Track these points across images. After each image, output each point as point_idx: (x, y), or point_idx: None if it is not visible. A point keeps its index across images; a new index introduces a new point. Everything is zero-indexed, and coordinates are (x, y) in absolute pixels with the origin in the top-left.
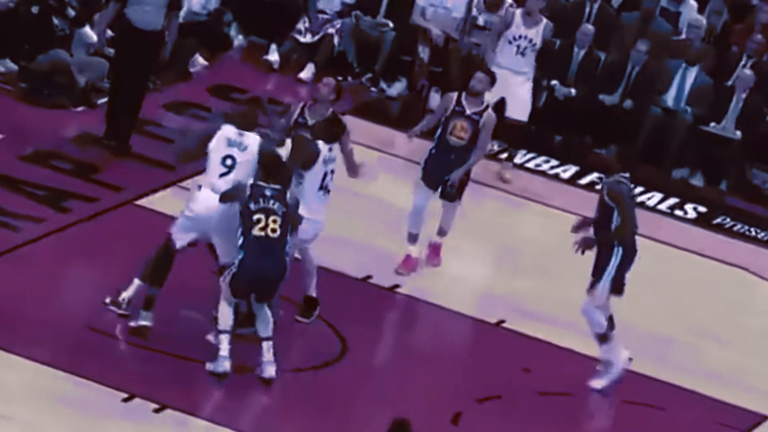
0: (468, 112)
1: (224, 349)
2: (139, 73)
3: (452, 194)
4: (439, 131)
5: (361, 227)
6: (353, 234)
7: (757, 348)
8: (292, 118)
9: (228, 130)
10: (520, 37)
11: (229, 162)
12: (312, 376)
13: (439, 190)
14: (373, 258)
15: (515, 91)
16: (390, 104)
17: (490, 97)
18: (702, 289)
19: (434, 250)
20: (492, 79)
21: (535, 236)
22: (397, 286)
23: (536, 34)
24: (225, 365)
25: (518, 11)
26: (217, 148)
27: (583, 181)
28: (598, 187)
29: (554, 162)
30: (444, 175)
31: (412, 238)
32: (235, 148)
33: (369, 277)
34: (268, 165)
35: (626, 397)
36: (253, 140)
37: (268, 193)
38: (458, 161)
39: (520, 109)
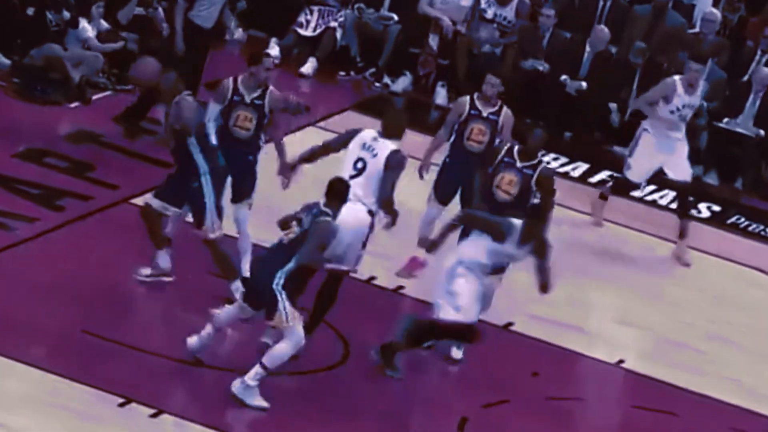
0: (485, 114)
1: None
2: (198, 65)
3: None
4: (453, 138)
5: None
6: None
7: (753, 353)
8: (227, 95)
9: (366, 134)
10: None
11: (359, 165)
12: (313, 379)
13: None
14: (376, 259)
15: None
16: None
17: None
18: (717, 291)
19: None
20: (502, 83)
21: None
22: (401, 287)
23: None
24: None
25: None
26: (352, 149)
27: (594, 179)
28: (610, 184)
29: (564, 159)
30: (460, 184)
31: (422, 242)
32: (367, 152)
33: (373, 278)
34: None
35: (638, 403)
36: (384, 148)
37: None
38: (476, 168)
39: None
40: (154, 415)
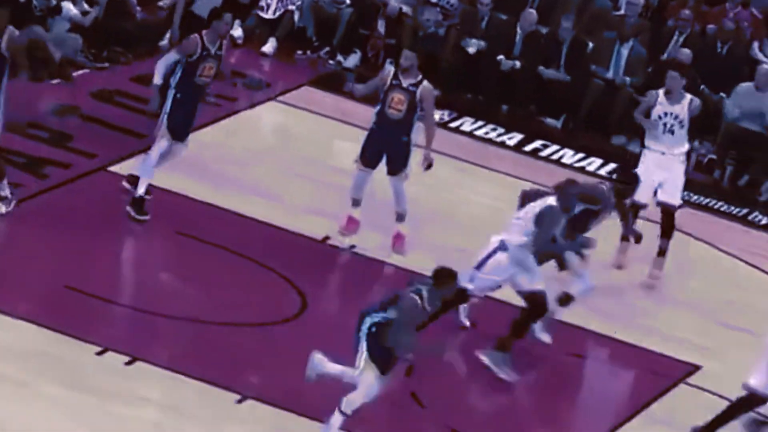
0: (404, 84)
1: None
2: None
3: (398, 164)
4: (378, 107)
5: (318, 192)
6: (311, 199)
7: (693, 305)
8: (196, 50)
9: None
10: None
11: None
12: (272, 330)
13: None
14: (331, 221)
15: None
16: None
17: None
18: (644, 249)
19: (397, 238)
20: (417, 57)
21: (483, 199)
22: (353, 246)
23: None
24: None
25: None
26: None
27: (528, 147)
28: (542, 153)
29: (501, 130)
30: (384, 150)
31: (355, 203)
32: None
33: (327, 238)
34: None
35: (571, 350)
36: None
37: None
38: (397, 134)
39: None
40: (129, 363)
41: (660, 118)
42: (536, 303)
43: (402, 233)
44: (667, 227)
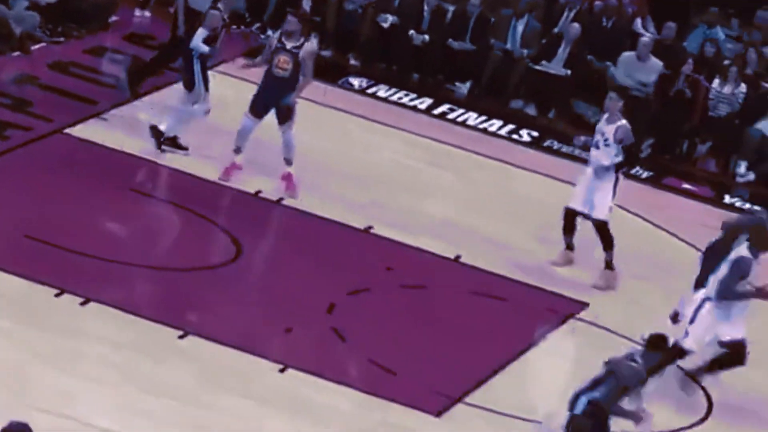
0: (288, 47)
1: None
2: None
3: (285, 115)
4: (268, 66)
5: (252, 151)
6: (245, 156)
7: (582, 248)
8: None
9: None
10: None
11: None
12: (211, 274)
13: (272, 116)
14: (262, 176)
15: None
16: None
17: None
18: (538, 201)
19: (287, 179)
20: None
21: (394, 156)
22: (281, 199)
23: None
24: None
25: None
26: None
27: (436, 111)
28: (450, 116)
29: (413, 95)
30: (271, 103)
31: (237, 150)
32: None
33: (259, 191)
34: None
35: (473, 289)
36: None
37: None
38: (284, 90)
39: None
40: (83, 303)
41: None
42: (737, 352)
43: (291, 173)
44: (604, 240)
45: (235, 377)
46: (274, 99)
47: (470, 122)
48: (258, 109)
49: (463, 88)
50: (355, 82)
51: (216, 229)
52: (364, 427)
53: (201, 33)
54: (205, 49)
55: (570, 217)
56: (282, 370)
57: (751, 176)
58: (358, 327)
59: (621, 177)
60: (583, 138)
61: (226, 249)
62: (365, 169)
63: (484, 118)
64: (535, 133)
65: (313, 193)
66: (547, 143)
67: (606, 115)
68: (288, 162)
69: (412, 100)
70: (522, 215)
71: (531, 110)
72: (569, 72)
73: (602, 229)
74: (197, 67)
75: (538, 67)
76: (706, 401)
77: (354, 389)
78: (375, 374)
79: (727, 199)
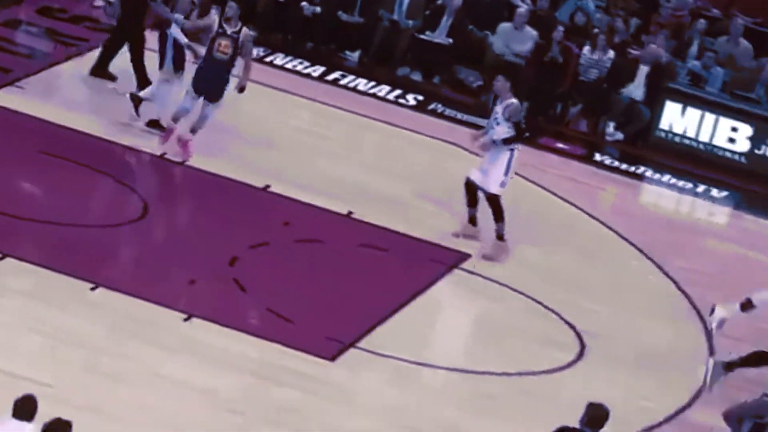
0: (228, 32)
1: None
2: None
3: (218, 95)
4: (207, 49)
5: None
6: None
7: (448, 206)
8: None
9: None
10: None
11: None
12: (120, 230)
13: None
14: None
15: None
16: None
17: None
18: (423, 161)
19: (185, 146)
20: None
21: (290, 120)
22: (185, 161)
23: None
24: None
25: None
26: None
27: (330, 77)
28: (342, 82)
29: (307, 63)
30: (212, 83)
31: (175, 120)
32: None
33: (164, 153)
34: None
35: (367, 242)
36: None
37: None
38: (223, 72)
39: None
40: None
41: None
42: None
43: (190, 141)
44: (495, 213)
45: (143, 326)
46: (212, 79)
47: (360, 88)
48: (198, 88)
49: (354, 56)
50: (253, 51)
51: (124, 189)
52: (263, 372)
53: (178, 18)
54: (184, 39)
55: (469, 188)
56: (186, 319)
57: (620, 136)
58: (258, 278)
59: (515, 153)
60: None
61: (134, 207)
62: (264, 132)
63: (373, 83)
64: (420, 98)
65: (216, 154)
66: (431, 107)
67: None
68: (194, 131)
69: (306, 67)
70: (408, 174)
71: (417, 76)
72: (451, 41)
73: (493, 201)
74: (169, 50)
75: (422, 37)
76: None
77: (254, 336)
78: (273, 322)
79: (597, 157)
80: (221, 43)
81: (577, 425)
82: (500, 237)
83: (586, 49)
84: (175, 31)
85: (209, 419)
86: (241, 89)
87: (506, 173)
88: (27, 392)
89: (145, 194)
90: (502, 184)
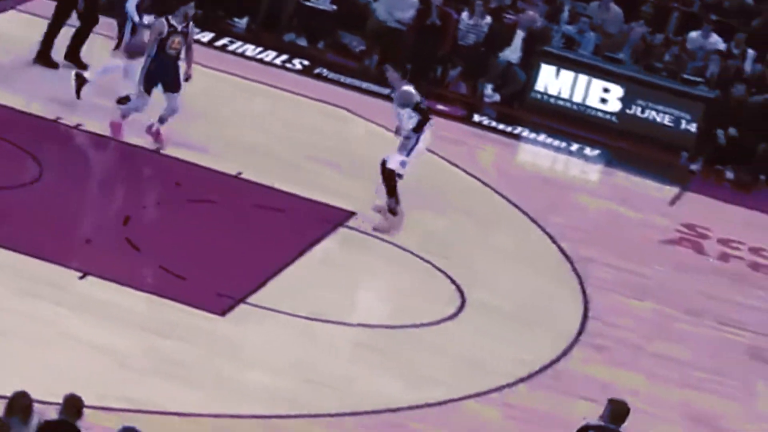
0: (179, 29)
1: None
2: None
3: (176, 85)
4: (155, 48)
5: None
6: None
7: (360, 171)
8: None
9: None
10: None
11: None
12: (17, 193)
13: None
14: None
15: None
16: None
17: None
18: (308, 123)
19: (157, 134)
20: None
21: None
22: (80, 125)
23: None
24: None
25: None
26: None
27: (218, 43)
28: (230, 48)
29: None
30: (169, 75)
31: (124, 117)
32: None
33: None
34: None
35: (257, 202)
36: None
37: None
38: (176, 65)
39: None
40: None
41: None
42: None
43: (160, 129)
44: (387, 188)
45: (41, 285)
46: (167, 74)
47: (248, 53)
48: (150, 85)
49: (242, 23)
50: (146, 18)
51: (20, 153)
52: (156, 327)
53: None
54: (136, 18)
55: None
56: (82, 277)
57: (497, 97)
58: (151, 237)
59: (420, 139)
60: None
61: (30, 170)
62: (155, 96)
63: (260, 49)
64: (306, 62)
65: (107, 117)
66: (317, 71)
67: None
68: (162, 121)
69: (196, 33)
70: (295, 136)
71: (302, 42)
72: (335, 7)
73: (388, 177)
74: (128, 28)
75: (308, 4)
76: None
77: (147, 293)
78: (166, 279)
79: (476, 117)
80: (174, 40)
81: (599, 422)
82: (392, 211)
83: (465, 14)
84: (129, 9)
85: (104, 373)
86: (187, 78)
87: (408, 154)
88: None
89: (41, 157)
90: (402, 164)
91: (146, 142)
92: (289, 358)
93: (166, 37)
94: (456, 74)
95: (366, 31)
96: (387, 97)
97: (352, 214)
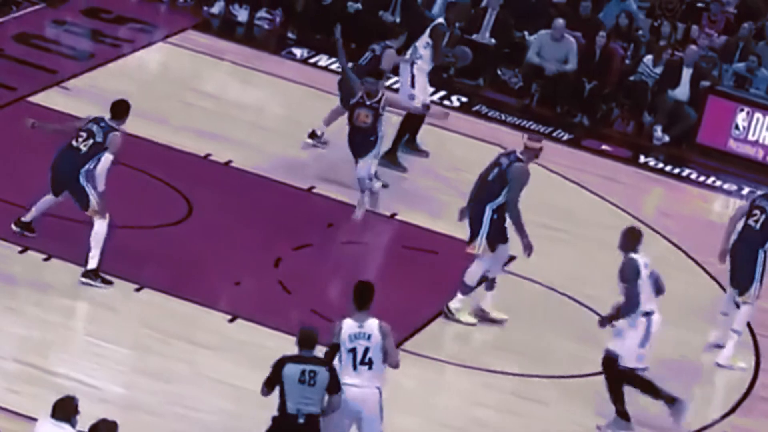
0: (368, 103)
1: None
2: None
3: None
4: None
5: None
6: (192, 121)
7: None
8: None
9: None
10: None
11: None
12: (166, 231)
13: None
14: (209, 140)
15: None
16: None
17: None
18: (466, 160)
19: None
20: None
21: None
22: (230, 161)
23: None
24: None
25: None
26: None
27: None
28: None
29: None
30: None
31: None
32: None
33: (209, 155)
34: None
35: (410, 244)
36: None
37: None
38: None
39: None
40: (46, 259)
41: None
42: None
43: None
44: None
45: (190, 327)
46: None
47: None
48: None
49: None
50: (297, 52)
51: (169, 190)
52: None
53: None
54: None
55: None
56: (232, 320)
57: (666, 138)
58: (302, 280)
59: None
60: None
61: (179, 208)
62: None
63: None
64: (464, 99)
65: (261, 155)
66: (476, 108)
67: None
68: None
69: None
70: (458, 178)
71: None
72: (493, 41)
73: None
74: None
75: (467, 38)
76: None
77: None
78: (318, 324)
79: (642, 158)
80: (360, 114)
81: None
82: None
83: (648, 59)
84: None
85: (251, 416)
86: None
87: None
88: (68, 394)
89: (190, 195)
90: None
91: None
92: (445, 405)
93: (353, 107)
94: (621, 113)
95: (521, 68)
96: (553, 138)
97: (512, 258)
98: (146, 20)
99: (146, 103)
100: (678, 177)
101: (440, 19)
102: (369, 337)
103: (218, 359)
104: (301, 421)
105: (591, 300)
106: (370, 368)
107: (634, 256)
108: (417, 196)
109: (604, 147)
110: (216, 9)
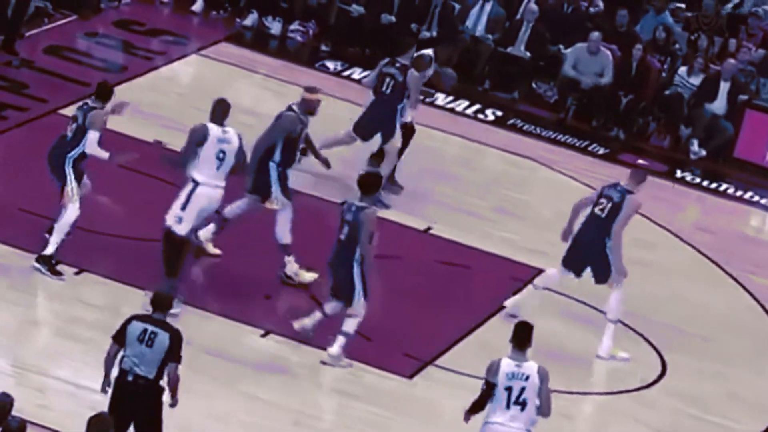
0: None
1: None
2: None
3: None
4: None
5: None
6: None
7: (542, 222)
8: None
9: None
10: None
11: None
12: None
13: None
14: None
15: None
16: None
17: None
18: (500, 174)
19: None
20: None
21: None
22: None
23: None
24: None
25: None
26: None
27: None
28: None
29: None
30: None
31: None
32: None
33: None
34: None
35: (444, 258)
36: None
37: None
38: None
39: None
40: (77, 273)
41: None
42: None
43: None
44: None
45: (221, 343)
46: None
47: (438, 103)
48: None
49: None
50: (330, 65)
51: None
52: (342, 388)
53: None
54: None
55: None
56: (264, 335)
57: (703, 153)
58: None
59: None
60: None
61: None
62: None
63: (452, 98)
64: (499, 113)
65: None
66: (511, 122)
67: None
68: None
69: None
70: (490, 190)
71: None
72: (528, 54)
73: None
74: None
75: (502, 50)
76: None
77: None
78: (353, 340)
79: (678, 173)
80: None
81: None
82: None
83: (682, 70)
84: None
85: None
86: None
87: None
88: (101, 411)
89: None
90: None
91: (331, 194)
92: (478, 424)
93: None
94: (657, 127)
95: (556, 81)
96: (588, 152)
97: (540, 271)
98: (179, 32)
99: (179, 116)
100: (715, 192)
101: (429, 51)
102: (527, 377)
103: (247, 373)
104: (129, 378)
105: (633, 320)
106: (522, 409)
107: (209, 125)
108: (455, 210)
109: (640, 161)
110: (249, 21)
